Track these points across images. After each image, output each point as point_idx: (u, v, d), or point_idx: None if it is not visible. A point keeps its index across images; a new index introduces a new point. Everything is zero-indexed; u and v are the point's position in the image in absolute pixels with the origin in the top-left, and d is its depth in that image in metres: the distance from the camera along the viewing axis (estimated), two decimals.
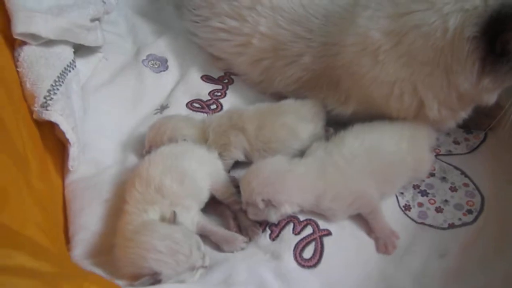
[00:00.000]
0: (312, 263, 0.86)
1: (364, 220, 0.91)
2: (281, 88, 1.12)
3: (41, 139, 0.96)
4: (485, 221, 0.92)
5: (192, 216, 0.89)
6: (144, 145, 1.02)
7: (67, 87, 1.02)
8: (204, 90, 1.19)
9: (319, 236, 0.89)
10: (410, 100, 0.94)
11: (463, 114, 0.98)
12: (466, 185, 0.98)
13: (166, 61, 1.26)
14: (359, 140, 0.93)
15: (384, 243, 0.88)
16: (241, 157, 1.01)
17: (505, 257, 0.86)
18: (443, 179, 0.99)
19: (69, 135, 0.95)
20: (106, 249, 0.87)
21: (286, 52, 1.08)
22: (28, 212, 0.77)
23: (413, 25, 0.87)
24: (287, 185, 0.88)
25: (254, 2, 1.11)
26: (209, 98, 1.18)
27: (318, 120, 1.03)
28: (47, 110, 0.93)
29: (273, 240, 0.89)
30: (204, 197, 0.93)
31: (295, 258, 0.86)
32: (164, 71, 1.24)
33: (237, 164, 1.02)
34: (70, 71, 1.06)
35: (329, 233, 0.89)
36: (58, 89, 0.98)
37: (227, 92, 1.19)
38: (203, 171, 0.93)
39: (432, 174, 1.00)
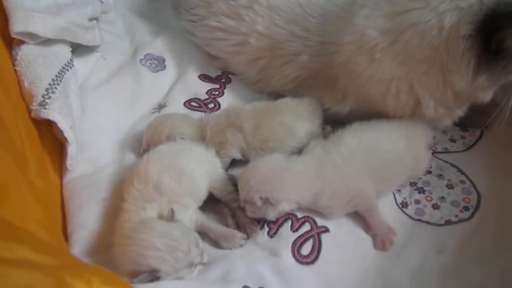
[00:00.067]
0: (310, 260, 0.86)
1: (361, 217, 0.91)
2: (278, 87, 1.12)
3: (39, 137, 0.96)
4: (481, 217, 0.92)
5: (190, 214, 0.89)
6: (142, 144, 1.02)
7: (65, 86, 1.02)
8: (201, 89, 1.19)
9: (317, 233, 0.89)
10: (407, 98, 0.94)
11: (459, 112, 0.99)
12: (462, 182, 0.98)
13: (164, 60, 1.26)
14: (357, 139, 0.94)
15: (381, 240, 0.89)
16: (238, 155, 1.01)
17: (502, 254, 0.86)
18: (440, 176, 1.00)
19: (67, 133, 0.95)
20: (105, 247, 0.87)
21: (283, 51, 1.08)
22: (29, 209, 0.77)
23: (410, 24, 0.88)
24: (285, 183, 0.89)
25: (251, 1, 1.11)
26: (207, 97, 1.18)
27: (315, 118, 1.03)
28: (45, 108, 0.94)
29: (271, 237, 0.89)
30: (202, 195, 0.94)
31: (293, 255, 0.87)
32: (161, 70, 1.24)
33: (235, 163, 1.03)
34: (68, 70, 1.07)
35: (326, 230, 0.90)
36: (56, 88, 0.98)
37: (225, 91, 1.19)
38: (201, 169, 0.93)
39: (428, 172, 1.00)
